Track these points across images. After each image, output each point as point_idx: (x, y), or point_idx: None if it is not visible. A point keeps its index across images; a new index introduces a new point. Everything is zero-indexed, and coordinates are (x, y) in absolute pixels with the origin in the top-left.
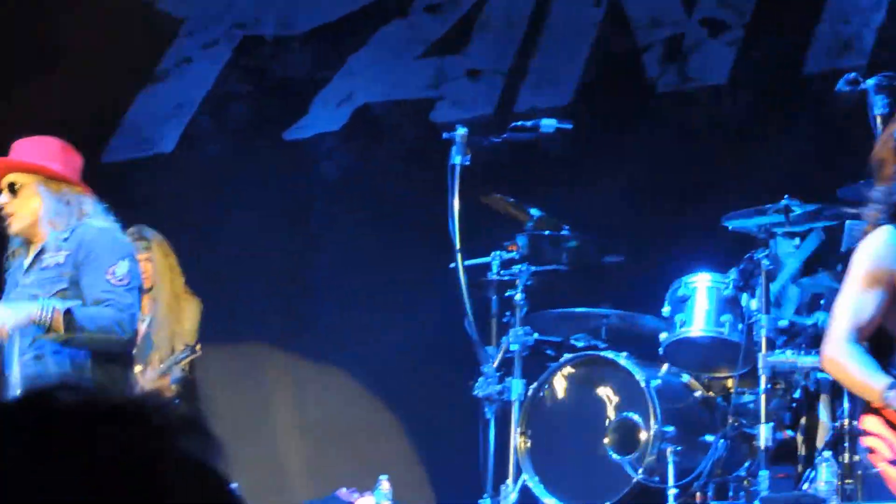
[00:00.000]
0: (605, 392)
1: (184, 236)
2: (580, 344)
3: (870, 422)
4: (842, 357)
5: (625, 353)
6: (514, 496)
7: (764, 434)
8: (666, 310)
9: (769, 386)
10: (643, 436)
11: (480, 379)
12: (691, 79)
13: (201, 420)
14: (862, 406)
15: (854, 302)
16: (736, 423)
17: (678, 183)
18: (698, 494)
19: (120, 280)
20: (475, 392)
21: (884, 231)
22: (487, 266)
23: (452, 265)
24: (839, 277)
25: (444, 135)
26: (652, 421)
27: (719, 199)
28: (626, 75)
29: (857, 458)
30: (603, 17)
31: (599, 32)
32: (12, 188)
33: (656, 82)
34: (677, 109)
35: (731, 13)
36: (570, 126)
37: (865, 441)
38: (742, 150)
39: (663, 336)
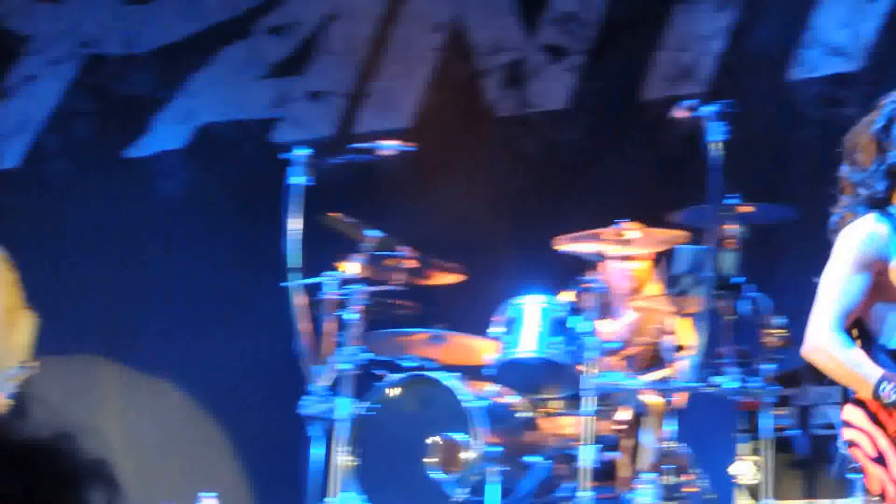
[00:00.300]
0: (431, 412)
1: (24, 251)
2: (411, 364)
3: (853, 413)
4: (830, 346)
5: (455, 374)
6: None
7: (587, 455)
8: (496, 330)
9: (596, 408)
10: (467, 455)
11: (308, 397)
12: (531, 104)
13: (108, 470)
14: (844, 395)
15: (842, 287)
16: (559, 445)
17: (515, 206)
18: None
19: None
20: (301, 410)
21: (870, 218)
22: (322, 285)
23: (285, 284)
24: (674, 299)
25: (282, 155)
26: (476, 441)
27: (555, 223)
28: (466, 99)
29: (680, 478)
30: (444, 41)
31: (440, 57)
32: None
33: (496, 107)
34: (516, 134)
35: (571, 39)
36: (410, 148)
37: (847, 434)
38: (580, 174)
39: (492, 356)
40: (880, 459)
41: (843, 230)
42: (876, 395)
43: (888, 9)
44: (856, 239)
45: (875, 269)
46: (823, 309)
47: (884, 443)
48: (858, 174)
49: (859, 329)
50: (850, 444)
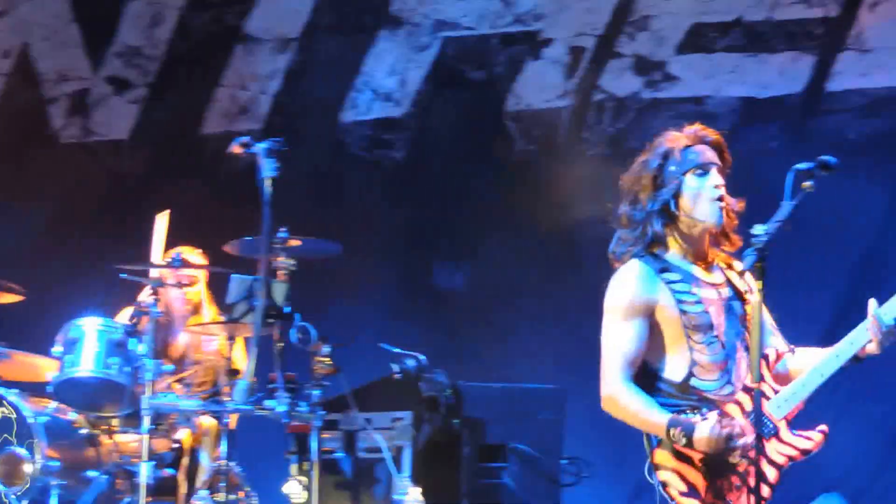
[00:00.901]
0: None
1: None
2: None
3: (660, 455)
4: (620, 396)
5: (14, 390)
6: None
7: (144, 472)
8: (57, 350)
9: (153, 426)
10: (28, 469)
11: None
12: (94, 132)
13: None
14: (653, 441)
15: (620, 338)
16: (119, 461)
17: (79, 230)
18: None
19: None
20: None
21: (634, 265)
22: None
23: None
24: (228, 325)
25: None
26: (37, 455)
27: (117, 248)
28: (32, 125)
29: (232, 496)
30: (10, 68)
31: (7, 82)
32: None
33: (60, 133)
34: (80, 161)
35: (135, 73)
36: None
37: (659, 475)
38: (141, 202)
39: (53, 374)
40: (692, 491)
41: (612, 279)
42: (669, 439)
43: (433, 58)
44: (621, 288)
45: (646, 311)
46: (607, 362)
47: (693, 475)
48: (637, 212)
49: (644, 368)
50: (664, 484)
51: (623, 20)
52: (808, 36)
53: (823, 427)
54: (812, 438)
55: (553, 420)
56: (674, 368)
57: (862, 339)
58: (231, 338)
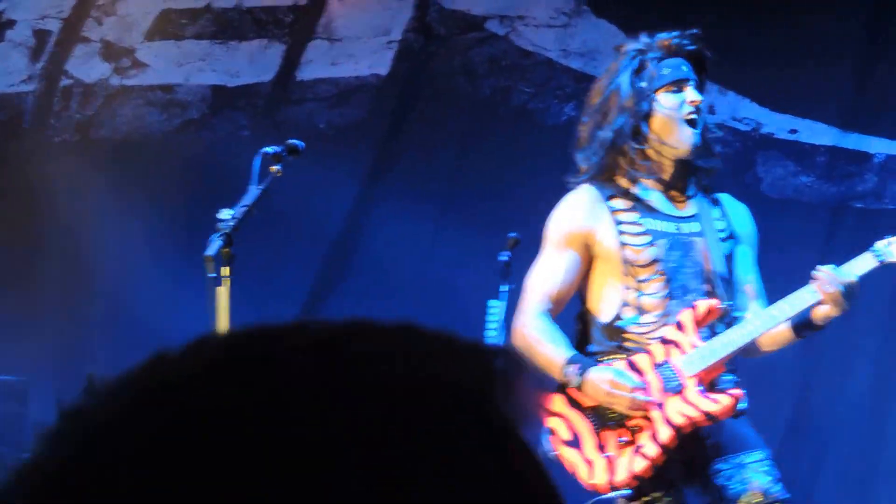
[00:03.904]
0: None
1: None
2: None
3: (555, 401)
4: (528, 330)
5: None
6: None
7: None
8: None
9: None
10: None
11: None
12: None
13: None
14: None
15: (544, 270)
16: None
17: None
18: None
19: None
20: None
21: (580, 191)
22: None
23: None
24: None
25: None
26: None
27: None
28: None
29: None
30: None
31: None
32: None
33: None
34: None
35: None
36: None
37: (548, 422)
38: None
39: None
40: (574, 442)
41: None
42: (564, 379)
43: None
44: (558, 216)
45: (582, 243)
46: (525, 294)
47: (581, 424)
48: (603, 132)
49: (582, 309)
50: (550, 432)
51: (90, 4)
52: (278, 24)
53: (736, 391)
54: (719, 401)
55: (15, 413)
56: (605, 308)
57: (807, 299)
58: None
